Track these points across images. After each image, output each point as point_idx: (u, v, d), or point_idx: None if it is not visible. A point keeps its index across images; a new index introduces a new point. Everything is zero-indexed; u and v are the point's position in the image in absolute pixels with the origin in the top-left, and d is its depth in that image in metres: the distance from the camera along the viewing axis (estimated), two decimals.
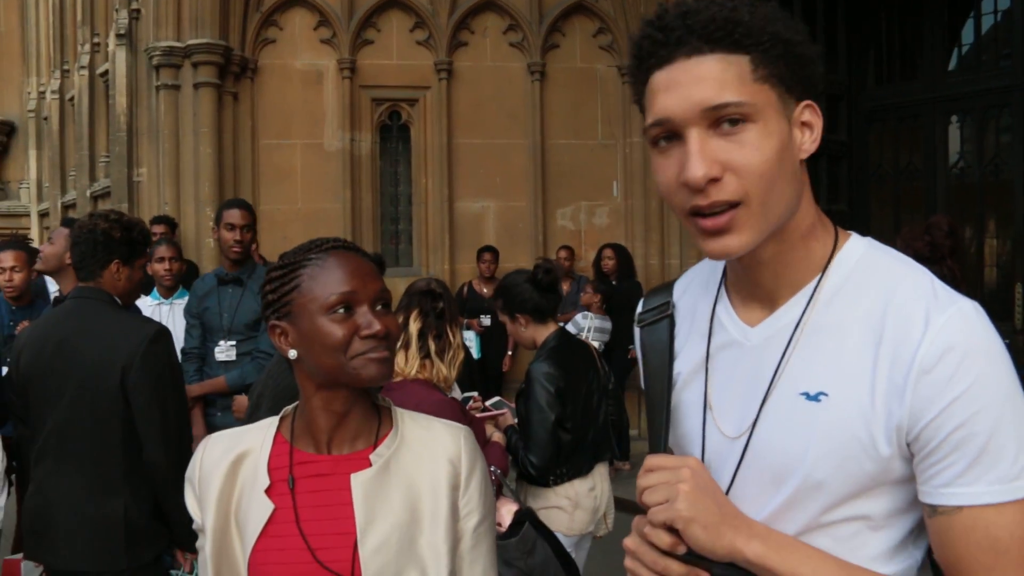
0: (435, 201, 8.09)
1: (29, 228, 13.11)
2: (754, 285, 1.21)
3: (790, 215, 1.14)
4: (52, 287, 5.60)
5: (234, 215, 4.38)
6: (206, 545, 1.50)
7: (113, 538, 2.93)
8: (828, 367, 1.13)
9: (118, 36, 7.81)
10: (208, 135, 7.40)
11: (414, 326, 2.93)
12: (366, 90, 8.01)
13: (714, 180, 1.08)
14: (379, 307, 1.47)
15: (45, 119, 12.61)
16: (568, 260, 8.01)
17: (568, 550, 2.98)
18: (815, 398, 1.13)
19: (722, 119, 1.08)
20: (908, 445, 1.09)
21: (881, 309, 1.12)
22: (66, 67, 11.68)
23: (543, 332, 3.49)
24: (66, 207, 11.42)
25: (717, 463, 1.21)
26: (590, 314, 7.03)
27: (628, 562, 1.19)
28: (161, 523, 3.00)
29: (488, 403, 3.76)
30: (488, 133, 8.17)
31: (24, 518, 3.04)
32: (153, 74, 7.53)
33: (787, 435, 1.14)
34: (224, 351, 4.38)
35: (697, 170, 1.07)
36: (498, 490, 3.04)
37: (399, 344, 2.79)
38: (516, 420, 3.49)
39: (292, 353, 1.47)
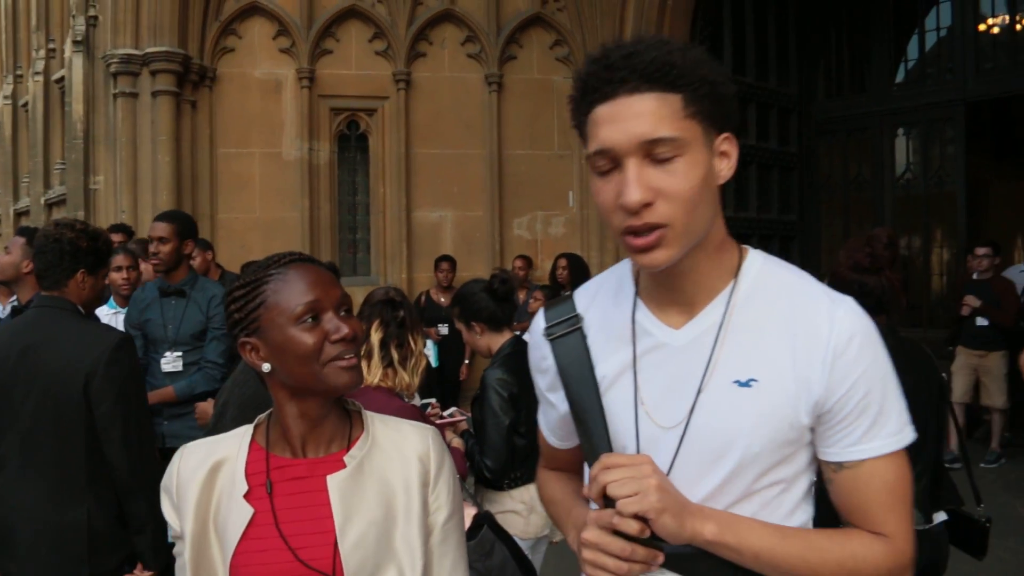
0: (393, 210, 8.15)
1: None
2: (674, 292, 1.38)
3: (707, 232, 1.32)
4: None
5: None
6: (185, 552, 1.53)
7: (76, 545, 2.93)
8: (754, 358, 1.33)
9: (75, 43, 7.76)
10: (166, 143, 7.39)
11: (375, 336, 2.99)
12: (325, 99, 8.05)
13: (647, 205, 1.24)
14: (343, 312, 1.53)
15: None
16: (524, 270, 8.11)
17: (525, 553, 3.07)
18: (747, 384, 1.33)
19: (655, 150, 1.24)
20: (819, 416, 1.33)
21: (789, 309, 1.34)
22: (19, 72, 11.55)
23: (498, 340, 3.58)
24: (19, 214, 11.29)
25: (652, 451, 1.36)
26: None
27: (588, 554, 1.32)
28: (124, 529, 3.03)
29: (444, 413, 3.84)
30: (446, 143, 8.24)
31: None
32: (111, 81, 7.51)
33: (725, 418, 1.33)
34: (170, 362, 4.40)
35: (633, 196, 1.23)
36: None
37: (361, 354, 2.85)
38: (471, 426, 3.57)
39: (265, 367, 1.52)
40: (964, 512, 3.13)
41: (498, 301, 3.56)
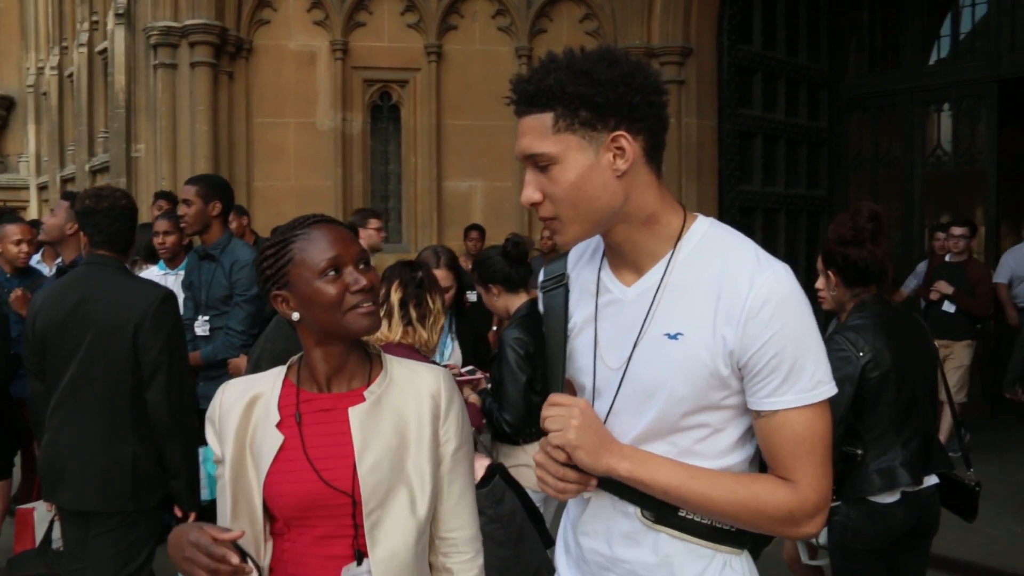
0: (424, 180, 8.33)
1: (28, 201, 13.34)
2: (623, 257, 1.63)
3: (615, 212, 1.55)
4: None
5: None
6: (225, 473, 1.76)
7: (123, 482, 3.22)
8: (683, 314, 1.55)
9: (117, 15, 8.01)
10: (204, 113, 7.61)
11: (395, 296, 3.19)
12: (358, 71, 8.22)
13: (536, 203, 1.56)
14: (361, 266, 1.74)
15: (44, 94, 12.81)
16: (550, 239, 8.26)
17: (536, 505, 3.26)
18: (674, 337, 1.55)
19: (537, 161, 1.53)
20: (740, 369, 1.52)
21: (719, 272, 1.54)
22: (65, 44, 11.88)
23: (515, 301, 3.75)
24: (65, 180, 11.65)
25: (603, 388, 1.62)
26: None
27: (537, 471, 1.59)
28: (164, 472, 3.29)
29: (463, 370, 4.02)
30: (476, 115, 8.37)
31: (41, 464, 3.31)
32: (151, 53, 7.73)
33: (655, 364, 1.57)
34: (200, 326, 4.55)
35: (524, 197, 1.57)
36: (474, 446, 3.31)
37: (382, 313, 3.05)
38: (490, 385, 3.75)
39: (295, 315, 1.74)
40: (954, 476, 3.25)
41: (512, 263, 3.74)
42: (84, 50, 10.20)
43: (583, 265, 1.74)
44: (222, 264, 4.48)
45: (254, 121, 8.02)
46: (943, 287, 7.08)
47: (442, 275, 3.68)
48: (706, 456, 1.57)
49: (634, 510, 1.60)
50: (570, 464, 1.56)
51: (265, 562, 1.74)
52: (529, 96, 1.51)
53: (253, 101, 8.00)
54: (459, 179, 8.44)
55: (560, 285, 1.73)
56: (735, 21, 8.54)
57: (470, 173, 8.45)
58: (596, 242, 1.72)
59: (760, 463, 1.64)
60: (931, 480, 3.21)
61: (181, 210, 4.52)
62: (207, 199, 4.51)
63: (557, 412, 1.56)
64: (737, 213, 8.44)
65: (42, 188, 12.99)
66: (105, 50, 9.04)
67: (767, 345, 1.49)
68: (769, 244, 8.32)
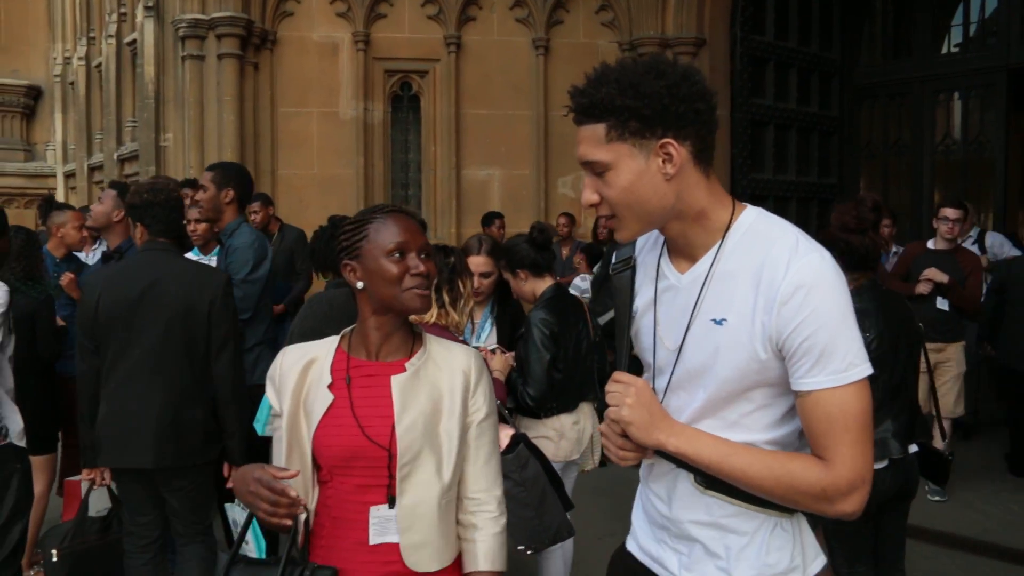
0: (443, 168, 8.55)
1: (55, 188, 13.63)
2: (678, 247, 1.78)
3: (668, 211, 1.70)
4: None
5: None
6: (282, 426, 2.05)
7: (193, 438, 3.64)
8: (727, 301, 1.68)
9: (146, 8, 8.26)
10: (231, 103, 7.86)
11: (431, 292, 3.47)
12: (379, 62, 8.44)
13: (595, 204, 1.72)
14: (423, 255, 2.01)
15: (71, 84, 13.08)
16: (567, 227, 8.49)
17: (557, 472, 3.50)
18: (720, 323, 1.68)
19: (593, 167, 1.69)
20: (779, 350, 1.63)
21: (761, 260, 1.65)
22: (92, 35, 12.13)
23: (541, 285, 3.99)
24: (92, 168, 11.93)
25: (663, 366, 1.81)
26: (587, 276, 7.53)
27: (602, 440, 1.81)
28: (219, 431, 3.70)
29: (488, 348, 4.26)
30: (494, 104, 8.60)
31: (105, 432, 3.60)
32: (179, 45, 7.99)
33: (703, 348, 1.71)
34: None
35: (585, 199, 1.73)
36: (500, 418, 3.56)
37: None
38: (515, 363, 3.97)
39: (359, 284, 2.02)
40: (932, 446, 3.50)
41: (538, 249, 3.98)
42: (112, 41, 10.45)
43: (647, 251, 1.89)
44: (224, 248, 4.69)
45: (278, 111, 8.26)
46: (936, 275, 5.98)
47: (483, 261, 3.90)
48: (754, 429, 1.70)
49: (687, 476, 1.76)
50: (626, 436, 1.74)
51: (312, 505, 2.01)
52: (583, 108, 1.66)
53: (277, 91, 8.24)
54: (478, 167, 8.66)
55: (628, 268, 1.89)
56: (748, 12, 8.71)
57: (488, 161, 8.67)
58: (657, 234, 1.87)
59: None
60: (912, 448, 3.46)
61: (197, 196, 4.68)
62: (221, 186, 4.67)
63: (616, 389, 1.74)
64: (748, 201, 8.50)
65: (69, 176, 13.26)
66: (134, 41, 9.29)
67: (799, 329, 1.58)
68: None
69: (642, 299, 1.85)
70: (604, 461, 4.08)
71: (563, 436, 3.90)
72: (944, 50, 9.69)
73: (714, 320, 1.68)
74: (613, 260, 1.96)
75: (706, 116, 1.66)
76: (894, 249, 6.88)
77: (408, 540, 1.98)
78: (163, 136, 8.18)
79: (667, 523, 1.84)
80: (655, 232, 1.85)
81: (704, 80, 1.70)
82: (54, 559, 3.73)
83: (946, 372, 6.11)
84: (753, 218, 1.72)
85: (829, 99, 9.51)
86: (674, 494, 1.80)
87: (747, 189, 8.73)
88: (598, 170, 1.67)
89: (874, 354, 3.25)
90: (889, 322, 3.40)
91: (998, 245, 7.60)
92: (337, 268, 3.70)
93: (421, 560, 1.99)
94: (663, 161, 1.65)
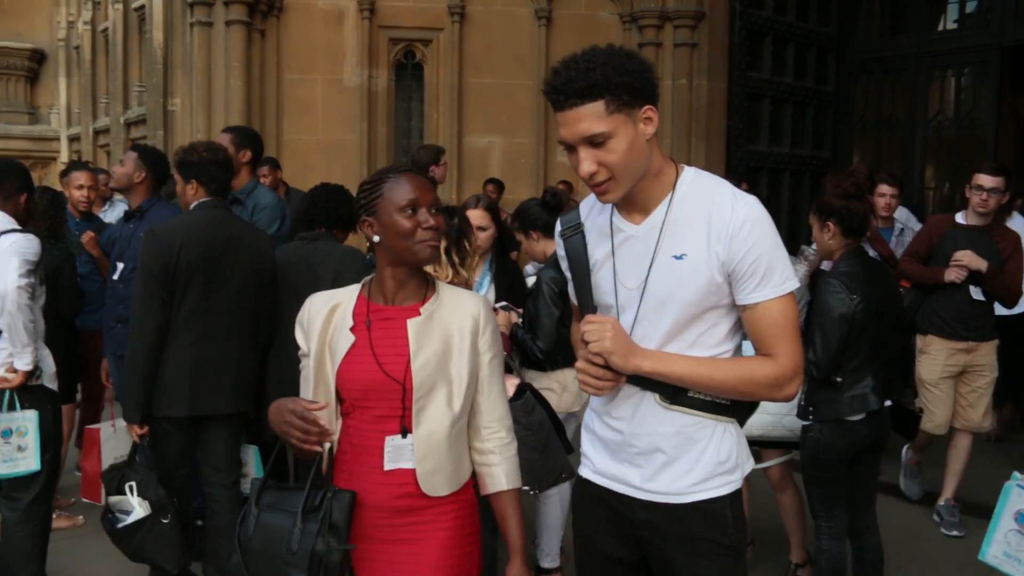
0: (445, 136, 8.71)
1: (59, 151, 13.76)
2: (634, 203, 2.09)
3: (645, 169, 2.01)
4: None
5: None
6: (309, 364, 2.27)
7: (252, 384, 3.94)
8: (684, 240, 2.04)
9: None
10: (238, 69, 8.00)
11: (441, 244, 3.68)
12: (383, 30, 8.58)
13: (594, 172, 1.96)
14: (433, 210, 2.22)
15: (76, 48, 13.17)
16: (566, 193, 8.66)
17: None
18: (680, 257, 2.03)
19: (593, 139, 1.93)
20: (729, 275, 2.01)
21: (707, 205, 2.03)
22: (98, 0, 12.22)
23: (551, 246, 4.20)
24: (97, 132, 12.07)
25: (626, 304, 2.11)
26: None
27: (579, 376, 2.08)
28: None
29: (497, 305, 4.48)
30: (496, 73, 8.76)
31: (181, 381, 3.73)
32: (188, 11, 8.12)
33: (667, 280, 2.04)
34: None
35: (583, 170, 1.97)
36: (506, 369, 3.79)
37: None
38: (521, 319, 4.18)
39: (376, 238, 2.23)
40: (903, 403, 3.74)
41: (551, 212, 4.19)
42: (120, 6, 10.56)
43: (596, 214, 2.18)
44: (246, 207, 4.86)
45: (284, 77, 8.40)
46: (971, 259, 4.84)
47: (479, 214, 4.09)
48: (707, 346, 2.07)
49: (653, 395, 2.08)
50: (605, 366, 2.02)
51: (336, 434, 2.24)
52: (580, 90, 1.90)
53: (284, 58, 8.38)
54: (479, 135, 8.83)
55: (578, 232, 2.18)
56: None
57: (490, 129, 8.84)
58: None
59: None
60: (886, 403, 3.71)
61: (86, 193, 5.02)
62: (239, 147, 4.91)
63: (593, 327, 2.01)
64: (744, 172, 8.80)
65: (73, 139, 13.38)
66: (141, 7, 9.41)
67: (748, 254, 1.97)
68: (773, 202, 8.70)
69: (598, 254, 2.14)
70: None
71: (565, 389, 4.14)
72: (940, 28, 9.82)
73: (675, 256, 2.02)
74: (560, 227, 2.23)
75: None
76: (899, 225, 6.08)
77: (424, 468, 2.20)
78: (171, 101, 8.32)
79: (631, 440, 2.13)
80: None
81: None
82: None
83: (978, 377, 5.09)
84: (693, 174, 2.09)
85: (825, 74, 9.66)
86: (638, 413, 2.11)
87: (743, 161, 8.92)
88: (599, 141, 1.92)
89: (860, 315, 3.51)
90: (873, 286, 3.63)
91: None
92: (319, 225, 4.09)
93: (436, 485, 2.22)
94: (645, 125, 1.97)
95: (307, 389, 2.28)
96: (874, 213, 5.48)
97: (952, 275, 4.89)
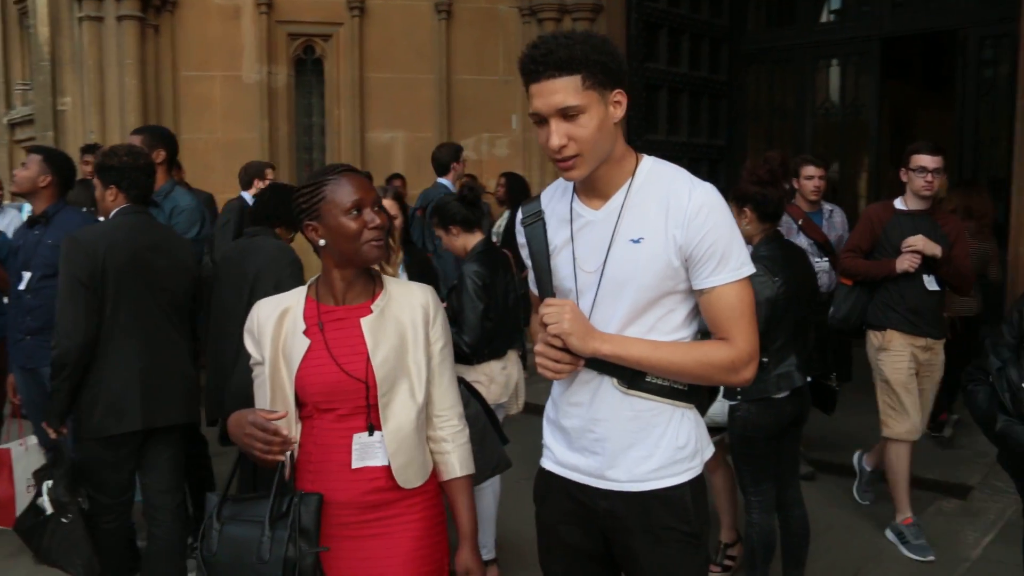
0: (347, 132, 8.66)
1: None
2: (595, 188, 2.12)
3: (609, 153, 2.04)
4: None
5: None
6: (264, 371, 2.26)
7: (196, 394, 3.83)
8: (642, 225, 2.06)
9: None
10: (132, 66, 7.77)
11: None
12: (282, 25, 8.45)
13: (563, 146, 1.98)
14: (376, 208, 2.23)
15: None
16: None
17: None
18: (637, 241, 2.06)
19: (567, 112, 1.96)
20: (686, 260, 2.04)
21: (665, 191, 2.06)
22: None
23: (471, 240, 4.25)
24: None
25: (584, 288, 2.14)
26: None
27: (538, 359, 2.09)
28: None
29: None
30: (397, 68, 8.73)
31: (132, 391, 3.57)
32: (75, 5, 7.84)
33: (625, 263, 2.07)
34: None
35: (554, 142, 1.98)
36: None
37: None
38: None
39: (322, 242, 2.22)
40: (823, 380, 3.94)
41: (468, 206, 4.23)
42: None
43: (556, 201, 2.22)
44: (163, 210, 4.70)
45: (180, 75, 8.21)
46: (923, 243, 4.51)
47: (389, 204, 4.13)
48: (665, 331, 2.10)
49: (611, 380, 2.10)
50: (563, 349, 2.04)
51: (296, 437, 2.24)
52: (560, 62, 1.94)
53: (179, 55, 8.19)
54: (381, 130, 8.80)
55: (539, 220, 2.22)
56: None
57: (392, 124, 8.82)
58: (565, 184, 2.21)
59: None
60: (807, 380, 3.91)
61: None
62: (152, 147, 4.68)
63: (552, 310, 2.04)
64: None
65: None
66: (23, 0, 9.03)
67: (705, 238, 2.01)
68: None
69: (558, 240, 2.17)
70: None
71: (493, 380, 4.21)
72: (824, 19, 10.21)
73: (632, 240, 2.06)
74: (521, 215, 2.26)
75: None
76: (827, 208, 5.87)
77: (397, 462, 2.23)
78: (60, 100, 8.05)
79: (589, 426, 2.16)
80: (559, 186, 2.23)
81: None
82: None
83: (925, 379, 4.79)
84: (652, 162, 2.13)
85: (719, 64, 9.94)
86: (596, 399, 2.13)
87: (642, 150, 8.63)
88: (572, 114, 1.96)
89: (782, 297, 3.67)
90: (792, 268, 3.81)
91: None
92: (262, 223, 4.07)
93: (410, 477, 2.26)
94: (614, 108, 2.01)
95: (263, 397, 2.27)
96: (803, 197, 5.68)
97: (906, 263, 4.53)
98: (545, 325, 2.05)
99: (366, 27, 8.62)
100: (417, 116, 8.85)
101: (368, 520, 2.24)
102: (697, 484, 2.17)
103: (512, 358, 4.34)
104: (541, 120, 2.00)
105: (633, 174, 2.10)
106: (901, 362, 4.65)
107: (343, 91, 8.64)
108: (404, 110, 8.82)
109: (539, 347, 2.08)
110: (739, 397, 3.73)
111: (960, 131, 8.51)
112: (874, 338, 4.75)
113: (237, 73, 8.32)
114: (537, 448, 2.35)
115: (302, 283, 4.26)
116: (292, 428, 2.23)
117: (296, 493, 2.17)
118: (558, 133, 1.97)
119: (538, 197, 2.29)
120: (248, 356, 2.33)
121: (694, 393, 2.15)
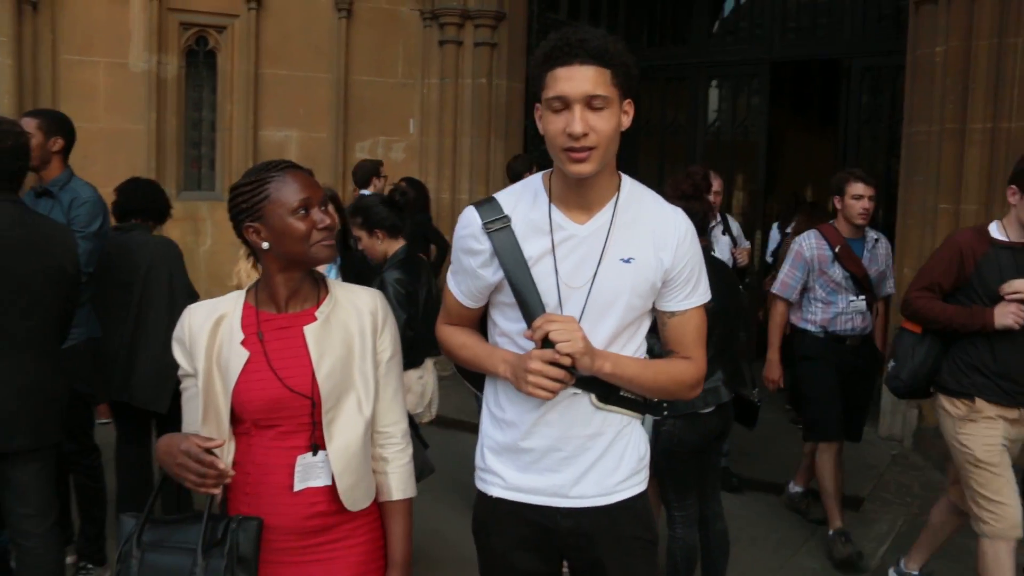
0: (239, 128, 8.32)
1: None
2: (580, 199, 2.07)
3: (611, 159, 2.04)
4: None
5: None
6: (198, 384, 2.04)
7: (62, 408, 3.39)
8: (632, 244, 2.08)
9: None
10: (7, 45, 7.22)
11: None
12: (173, 13, 8.03)
13: (584, 135, 1.93)
14: (323, 207, 2.06)
15: None
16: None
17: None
18: (628, 261, 2.07)
19: (593, 102, 1.93)
20: (665, 282, 2.11)
21: (650, 213, 2.12)
22: None
23: (394, 246, 4.12)
24: None
25: (567, 303, 2.07)
26: None
27: (533, 377, 1.99)
28: None
29: None
30: (294, 65, 8.46)
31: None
32: None
33: (614, 282, 2.08)
34: None
35: (578, 128, 1.93)
36: None
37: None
38: None
39: (265, 245, 2.03)
40: (745, 394, 3.99)
41: (396, 211, 4.09)
42: None
43: (526, 208, 2.11)
44: (60, 201, 4.37)
45: (61, 58, 7.68)
46: None
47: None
48: (631, 349, 2.16)
49: (588, 396, 2.11)
50: (565, 368, 1.99)
51: (229, 458, 2.04)
52: (596, 51, 1.93)
53: (60, 36, 7.67)
54: (275, 128, 8.50)
55: (505, 226, 2.09)
56: None
57: (286, 123, 8.54)
58: (534, 190, 2.13)
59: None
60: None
61: None
62: (48, 133, 4.39)
63: (561, 327, 1.97)
64: (540, 171, 8.97)
65: None
66: None
67: (687, 263, 2.12)
68: None
69: (534, 249, 2.08)
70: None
71: (409, 390, 4.08)
72: (716, 39, 10.48)
73: (623, 259, 2.06)
74: (482, 220, 2.10)
75: None
76: (873, 236, 5.08)
77: (344, 483, 2.06)
78: None
79: (559, 444, 2.13)
80: (528, 190, 2.14)
81: None
82: None
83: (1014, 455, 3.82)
84: (629, 180, 2.15)
85: None
86: (567, 416, 2.12)
87: (539, 160, 9.10)
88: (597, 105, 1.93)
89: (710, 313, 3.66)
90: (719, 284, 3.82)
91: None
92: (134, 218, 3.94)
93: (358, 499, 2.09)
94: (624, 116, 2.02)
95: (195, 411, 2.07)
96: (845, 219, 4.89)
97: (1010, 319, 3.55)
98: (544, 341, 1.98)
99: (263, 21, 8.31)
100: (312, 115, 8.59)
101: (310, 545, 2.08)
102: (646, 492, 2.26)
103: (428, 367, 4.23)
104: (560, 107, 1.94)
105: (618, 189, 2.10)
106: (993, 437, 3.68)
107: (236, 86, 8.30)
108: (299, 109, 8.55)
109: (536, 365, 1.98)
110: (665, 412, 3.73)
111: (844, 156, 8.83)
112: (951, 406, 3.79)
113: (123, 60, 7.87)
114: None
115: (187, 276, 4.12)
116: (226, 450, 2.04)
117: (233, 518, 1.97)
118: (582, 120, 1.92)
119: (493, 200, 2.16)
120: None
121: (655, 405, 2.27)
